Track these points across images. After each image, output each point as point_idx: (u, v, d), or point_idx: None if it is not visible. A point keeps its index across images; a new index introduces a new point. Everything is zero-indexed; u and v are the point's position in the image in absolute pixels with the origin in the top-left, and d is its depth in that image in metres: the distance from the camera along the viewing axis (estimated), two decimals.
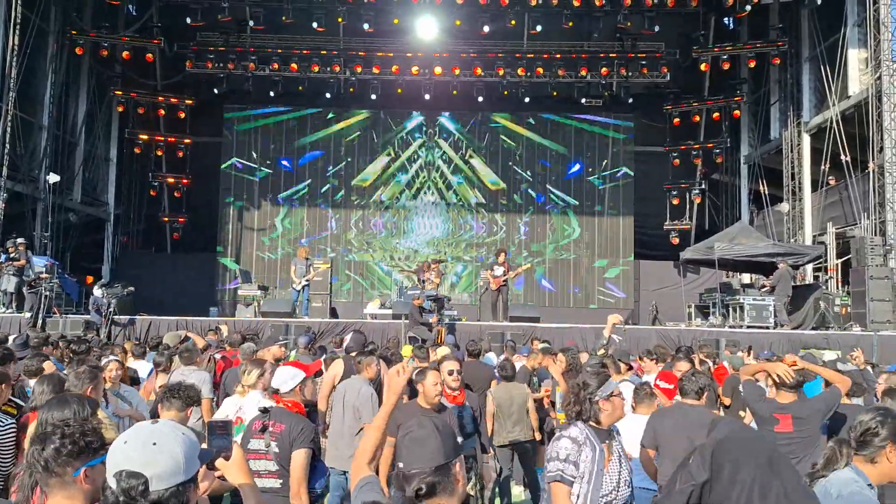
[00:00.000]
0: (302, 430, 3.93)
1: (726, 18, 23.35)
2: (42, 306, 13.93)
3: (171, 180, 23.77)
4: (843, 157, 18.30)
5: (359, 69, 21.75)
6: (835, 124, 18.55)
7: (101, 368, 5.14)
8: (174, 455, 1.81)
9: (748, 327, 15.17)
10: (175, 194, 23.90)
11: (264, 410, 4.09)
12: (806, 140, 20.68)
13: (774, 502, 2.01)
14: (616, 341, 7.61)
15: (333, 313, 17.83)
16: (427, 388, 5.14)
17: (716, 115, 23.04)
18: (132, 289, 15.38)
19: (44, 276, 14.33)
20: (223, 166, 23.76)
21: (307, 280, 16.54)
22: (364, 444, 2.78)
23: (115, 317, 14.33)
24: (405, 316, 14.25)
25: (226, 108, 23.83)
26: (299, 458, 3.85)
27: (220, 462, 2.17)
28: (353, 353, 7.48)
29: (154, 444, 1.80)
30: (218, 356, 8.73)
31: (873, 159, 17.15)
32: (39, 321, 13.65)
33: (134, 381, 7.43)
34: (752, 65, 21.81)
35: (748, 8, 20.09)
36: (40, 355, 6.29)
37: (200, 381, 6.38)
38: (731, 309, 16.40)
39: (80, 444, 2.28)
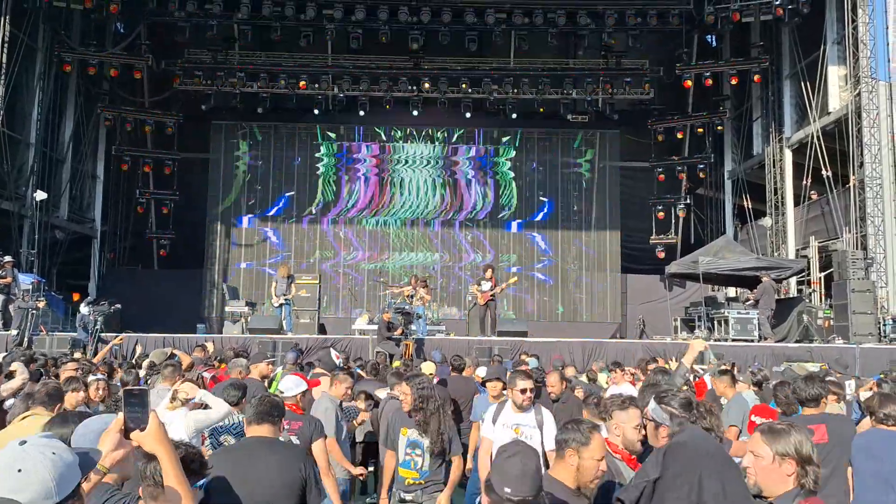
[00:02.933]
0: (316, 425, 4.95)
1: (708, 36, 23.73)
2: (29, 324, 13.86)
3: (158, 197, 23.75)
4: (824, 171, 18.58)
5: (346, 86, 21.89)
6: (816, 140, 18.83)
7: (61, 388, 5.14)
8: (42, 480, 1.72)
9: (733, 340, 15.29)
10: (162, 211, 23.87)
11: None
12: (788, 155, 20.97)
13: (712, 498, 2.15)
14: (700, 373, 7.34)
15: (322, 329, 17.83)
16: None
17: (699, 130, 23.34)
18: (119, 306, 15.31)
19: (40, 303, 14.28)
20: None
21: (286, 298, 16.48)
22: None
23: (102, 334, 14.27)
24: (373, 332, 14.36)
25: (213, 124, 23.88)
26: (320, 446, 4.84)
27: (135, 434, 2.16)
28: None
29: (19, 470, 1.71)
30: (208, 375, 8.72)
31: (854, 174, 17.43)
32: (26, 340, 13.58)
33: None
34: (735, 82, 22.13)
35: (730, 26, 20.43)
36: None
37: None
38: (716, 322, 16.53)
39: None
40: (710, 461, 2.23)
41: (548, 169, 24.38)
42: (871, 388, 8.08)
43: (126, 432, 2.15)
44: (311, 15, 20.50)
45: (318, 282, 18.14)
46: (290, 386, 5.22)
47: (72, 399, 5.27)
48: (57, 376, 7.62)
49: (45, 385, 4.98)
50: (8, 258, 15.15)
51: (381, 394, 7.33)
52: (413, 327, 14.25)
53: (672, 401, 3.31)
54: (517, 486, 2.31)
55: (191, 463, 2.71)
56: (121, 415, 2.18)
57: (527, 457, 2.38)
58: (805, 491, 2.48)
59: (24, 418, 4.52)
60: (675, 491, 2.31)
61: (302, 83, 21.81)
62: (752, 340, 15.32)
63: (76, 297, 18.66)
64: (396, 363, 11.12)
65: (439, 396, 5.16)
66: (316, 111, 22.90)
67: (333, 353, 8.73)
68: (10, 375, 6.64)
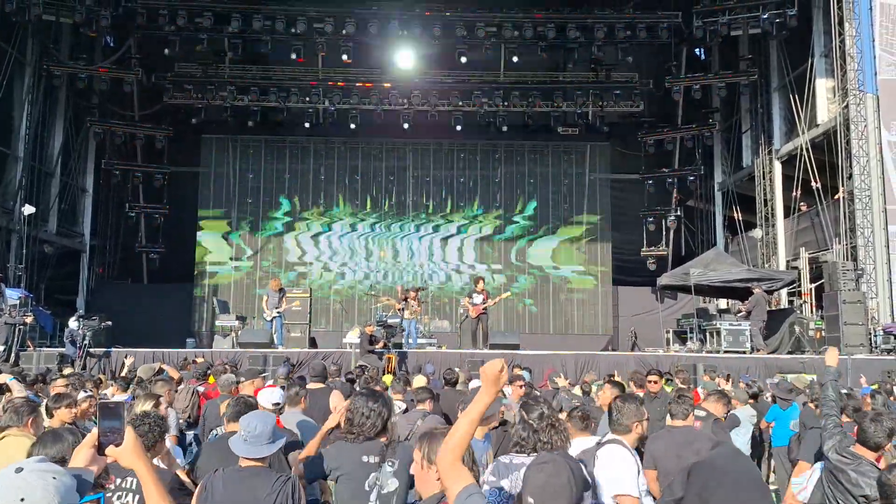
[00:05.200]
0: (294, 436, 4.91)
1: (697, 49, 23.89)
2: (16, 340, 13.71)
3: (148, 210, 23.63)
4: (813, 183, 18.68)
5: (337, 99, 21.89)
6: (805, 152, 18.94)
7: (29, 401, 5.06)
8: None
9: (725, 352, 15.29)
10: (152, 225, 23.74)
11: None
12: (777, 167, 21.08)
13: None
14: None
15: (313, 343, 17.72)
16: None
17: (689, 143, 23.45)
18: (109, 323, 15.17)
19: (28, 318, 14.16)
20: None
21: (278, 311, 16.39)
22: (458, 440, 2.50)
23: (91, 349, 14.12)
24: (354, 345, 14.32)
25: (204, 138, 23.82)
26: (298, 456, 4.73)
27: (111, 449, 2.09)
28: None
29: (22, 500, 1.66)
30: (201, 389, 8.63)
31: (843, 186, 17.52)
32: (13, 355, 13.42)
33: None
34: (724, 94, 22.26)
35: (718, 39, 20.58)
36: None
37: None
38: (708, 334, 16.54)
39: None
40: (727, 480, 2.18)
41: (538, 181, 24.42)
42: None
43: (101, 448, 2.06)
44: (302, 29, 20.53)
45: (309, 295, 18.05)
46: (269, 400, 5.24)
47: (64, 415, 5.19)
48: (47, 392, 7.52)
49: (10, 402, 4.87)
50: None
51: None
52: (400, 340, 14.20)
53: (531, 411, 3.47)
54: (541, 498, 2.26)
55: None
56: (95, 430, 2.10)
57: (557, 467, 2.31)
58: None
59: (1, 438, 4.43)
60: None
61: (292, 97, 21.79)
62: (745, 352, 15.32)
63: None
64: (388, 377, 11.05)
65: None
66: (307, 125, 22.88)
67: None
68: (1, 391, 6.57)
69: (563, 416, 5.04)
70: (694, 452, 4.80)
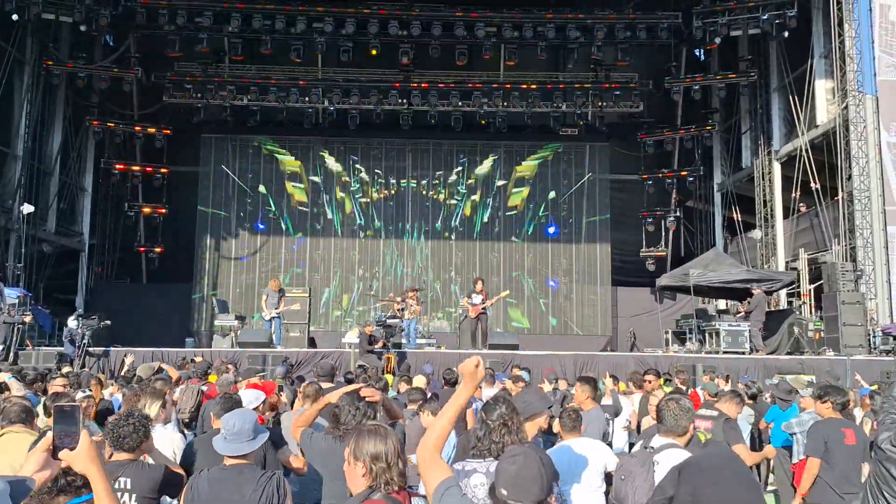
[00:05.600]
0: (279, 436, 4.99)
1: (697, 50, 23.90)
2: (14, 339, 13.70)
3: (147, 210, 23.60)
4: (813, 184, 18.69)
5: (337, 100, 21.89)
6: (804, 153, 18.96)
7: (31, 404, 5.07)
8: None
9: (724, 353, 15.30)
10: (151, 224, 23.73)
11: None
12: (777, 168, 21.09)
13: None
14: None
15: (312, 343, 17.73)
16: None
17: (689, 143, 23.46)
18: (108, 322, 15.17)
19: (27, 317, 14.14)
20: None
21: (277, 312, 16.40)
22: (436, 437, 2.62)
23: (90, 348, 14.12)
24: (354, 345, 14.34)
25: (203, 137, 23.80)
26: (287, 453, 4.85)
27: (65, 453, 2.04)
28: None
29: None
30: (205, 388, 8.63)
31: (842, 187, 17.54)
32: (11, 354, 13.42)
33: (110, 413, 7.34)
34: (723, 95, 22.28)
35: (718, 40, 20.59)
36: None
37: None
38: (707, 335, 16.55)
39: (61, 483, 2.20)
40: (719, 479, 2.19)
41: (537, 182, 24.41)
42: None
43: (55, 451, 2.02)
44: (302, 28, 20.53)
45: (308, 295, 18.06)
46: (250, 399, 5.29)
47: None
48: (45, 391, 7.52)
49: (12, 402, 4.85)
50: None
51: None
52: (401, 340, 14.22)
53: (491, 412, 3.49)
54: (514, 490, 2.29)
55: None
56: (50, 434, 2.05)
57: (529, 460, 2.35)
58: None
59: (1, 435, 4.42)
60: None
61: (292, 96, 21.78)
62: (744, 353, 15.34)
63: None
64: (389, 377, 11.06)
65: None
66: (306, 125, 22.88)
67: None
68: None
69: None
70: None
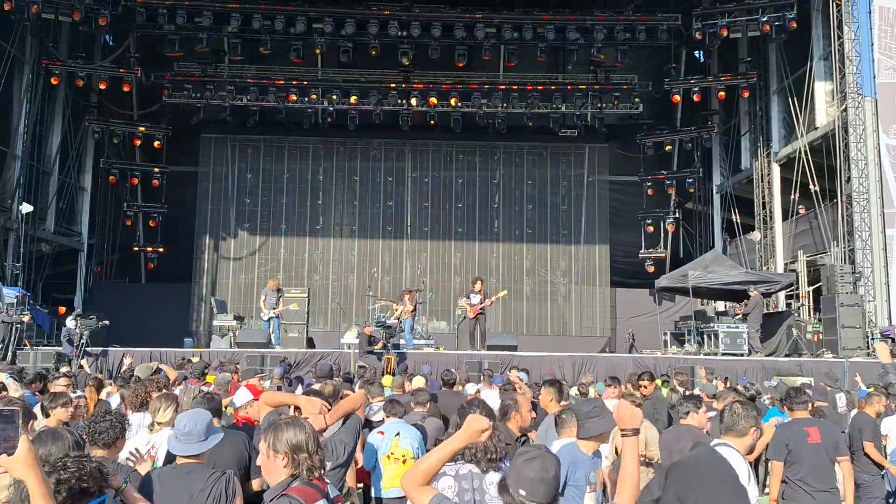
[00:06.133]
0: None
1: (697, 52, 23.90)
2: (13, 338, 13.70)
3: (146, 210, 23.59)
4: (812, 186, 18.70)
5: (336, 100, 21.88)
6: (803, 155, 18.96)
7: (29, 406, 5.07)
8: None
9: (723, 354, 15.31)
10: (150, 224, 23.71)
11: None
12: (776, 170, 21.09)
13: None
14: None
15: (310, 343, 17.72)
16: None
17: (688, 145, 23.46)
18: (107, 322, 15.17)
19: (25, 317, 14.13)
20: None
21: (275, 312, 16.38)
22: (426, 470, 2.71)
23: (88, 348, 14.11)
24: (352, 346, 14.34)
25: (203, 137, 23.79)
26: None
27: (2, 458, 1.98)
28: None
29: None
30: (205, 389, 8.63)
31: (841, 189, 17.54)
32: (9, 354, 13.41)
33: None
34: (723, 97, 22.28)
35: (717, 42, 20.60)
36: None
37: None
38: (706, 336, 16.56)
39: (76, 490, 2.18)
40: (705, 481, 2.20)
41: (536, 183, 24.41)
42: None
43: None
44: (301, 28, 20.52)
45: (307, 295, 18.05)
46: (243, 399, 5.51)
47: (61, 415, 5.19)
48: (43, 391, 7.51)
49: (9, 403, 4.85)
50: None
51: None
52: (400, 340, 14.20)
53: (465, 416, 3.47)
54: (532, 491, 2.30)
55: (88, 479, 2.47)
56: None
57: (547, 462, 2.38)
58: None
59: None
60: None
61: (291, 96, 21.78)
62: (742, 354, 15.35)
63: (62, 311, 18.44)
64: (387, 378, 11.04)
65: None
66: (305, 125, 22.86)
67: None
68: None
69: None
70: (679, 451, 4.82)
